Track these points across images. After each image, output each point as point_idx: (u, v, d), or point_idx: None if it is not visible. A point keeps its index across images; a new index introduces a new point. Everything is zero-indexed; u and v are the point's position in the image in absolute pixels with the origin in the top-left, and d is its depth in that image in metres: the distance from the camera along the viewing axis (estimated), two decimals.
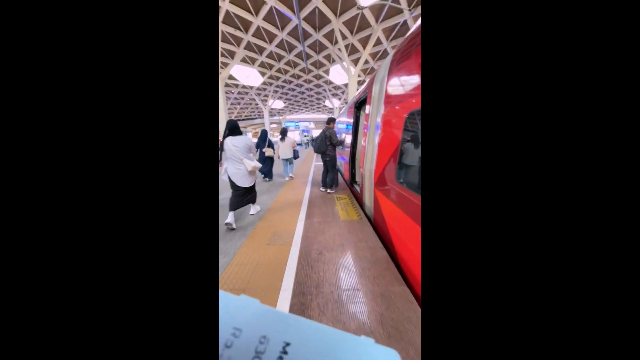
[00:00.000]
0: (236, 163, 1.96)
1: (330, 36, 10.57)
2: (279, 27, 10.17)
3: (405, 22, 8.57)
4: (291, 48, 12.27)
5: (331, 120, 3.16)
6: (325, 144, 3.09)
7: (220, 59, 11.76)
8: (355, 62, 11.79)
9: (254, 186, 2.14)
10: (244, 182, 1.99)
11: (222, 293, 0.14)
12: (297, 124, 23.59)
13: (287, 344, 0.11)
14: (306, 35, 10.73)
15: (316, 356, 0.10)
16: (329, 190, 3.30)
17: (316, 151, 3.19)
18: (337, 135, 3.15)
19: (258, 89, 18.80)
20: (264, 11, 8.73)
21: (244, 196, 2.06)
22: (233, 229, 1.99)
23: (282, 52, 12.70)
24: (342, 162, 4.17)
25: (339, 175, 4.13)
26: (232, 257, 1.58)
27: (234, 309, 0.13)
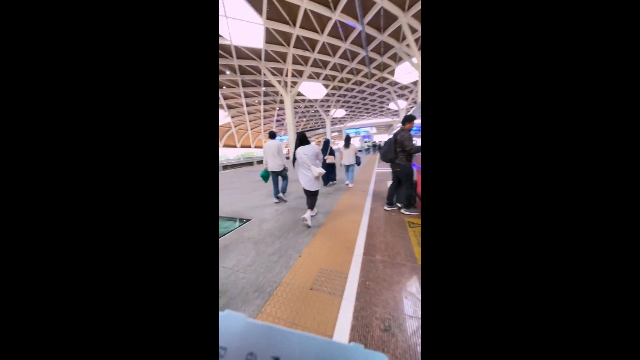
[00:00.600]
0: (305, 170, 2.19)
1: (396, 34, 9.87)
2: (343, 39, 10.48)
3: None
4: (354, 56, 12.36)
5: (409, 120, 2.32)
6: (395, 151, 2.36)
7: (291, 78, 13.38)
8: None
9: (317, 191, 2.36)
10: (311, 187, 2.23)
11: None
12: (357, 130, 23.32)
13: (276, 359, 0.10)
14: (370, 40, 10.51)
15: None
16: (404, 211, 2.45)
17: (382, 159, 2.55)
18: (413, 140, 2.32)
19: (321, 100, 20.08)
20: (328, 27, 9.24)
21: (313, 197, 2.36)
22: (309, 227, 2.22)
23: (345, 62, 13.00)
24: (415, 171, 3.69)
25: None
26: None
27: (219, 327, 0.12)
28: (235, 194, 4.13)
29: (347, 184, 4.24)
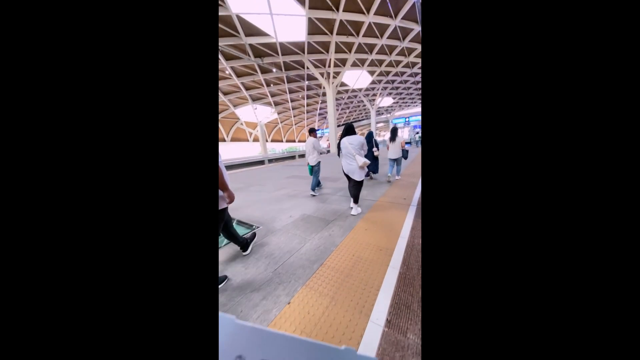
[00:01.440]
0: (350, 159, 2.26)
1: None
2: (393, 15, 9.19)
3: None
4: (405, 33, 10.74)
5: None
6: None
7: (334, 69, 12.89)
8: None
9: (362, 182, 2.41)
10: (355, 176, 2.28)
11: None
12: (406, 119, 20.92)
13: None
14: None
15: None
16: None
17: None
18: None
19: (366, 89, 18.77)
20: (376, 4, 8.23)
21: (357, 187, 2.37)
22: (353, 215, 2.32)
23: (395, 42, 11.51)
24: None
25: None
26: None
27: None
28: (262, 192, 3.79)
29: (389, 180, 4.08)
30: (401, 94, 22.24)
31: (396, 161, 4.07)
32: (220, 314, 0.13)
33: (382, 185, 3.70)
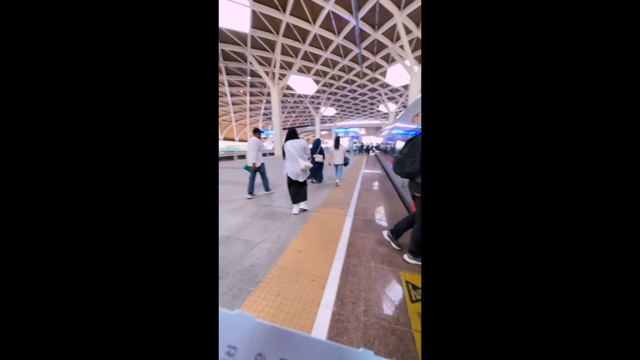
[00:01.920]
0: (293, 162, 2.37)
1: (390, 33, 9.54)
2: (336, 32, 9.94)
3: None
4: (346, 52, 11.88)
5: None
6: (420, 164, 1.33)
7: (280, 70, 12.59)
8: (419, 59, 10.21)
9: (305, 182, 2.51)
10: (297, 177, 2.39)
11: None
12: (346, 130, 23.09)
13: None
14: (363, 36, 10.09)
15: None
16: (408, 258, 1.49)
17: (398, 170, 1.44)
18: None
19: (312, 97, 19.45)
20: (321, 17, 8.65)
21: (299, 189, 2.47)
22: (296, 213, 2.46)
23: (337, 58, 12.49)
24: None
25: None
26: None
27: (229, 326, 0.12)
28: None
29: (337, 183, 4.49)
30: (342, 106, 24.43)
31: (338, 167, 4.51)
32: (240, 312, 0.13)
33: (330, 187, 4.08)
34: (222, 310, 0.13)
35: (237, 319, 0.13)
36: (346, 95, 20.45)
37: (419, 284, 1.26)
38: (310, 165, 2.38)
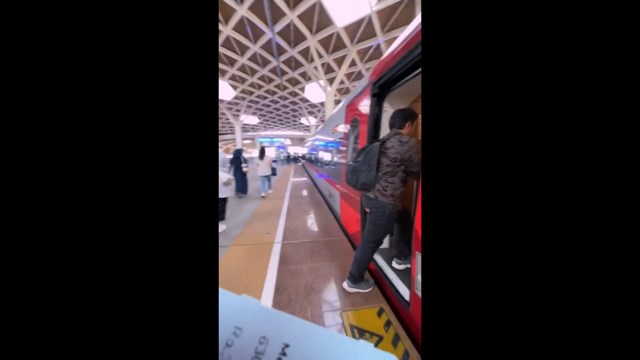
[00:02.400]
0: None
1: (305, 53, 10.41)
2: (252, 40, 9.63)
3: (378, 45, 8.82)
4: (265, 62, 11.79)
5: (411, 117, 1.19)
6: (377, 174, 1.17)
7: None
8: (331, 81, 11.79)
9: (225, 199, 2.24)
10: (220, 193, 2.07)
11: (224, 292, 0.14)
12: (272, 139, 22.70)
13: (286, 346, 0.11)
14: (281, 51, 10.40)
15: (314, 358, 0.10)
16: (349, 287, 1.34)
17: (352, 182, 1.24)
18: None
19: (229, 102, 17.70)
20: (234, 20, 8.11)
21: (221, 204, 2.11)
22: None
23: (255, 66, 12.13)
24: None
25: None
26: None
27: (236, 308, 0.13)
28: None
29: (263, 195, 4.26)
30: (265, 115, 23.91)
31: (267, 178, 4.36)
32: (247, 297, 0.13)
33: (256, 201, 3.86)
34: (230, 293, 0.13)
35: (243, 303, 0.13)
36: (268, 105, 20.21)
37: (364, 325, 1.07)
38: (232, 177, 2.12)
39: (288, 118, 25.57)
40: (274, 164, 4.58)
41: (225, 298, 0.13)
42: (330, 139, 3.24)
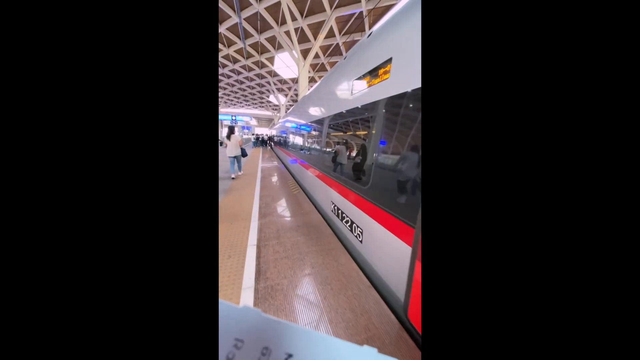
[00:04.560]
0: None
1: (276, 12, 8.54)
2: None
3: (361, 13, 7.75)
4: (223, 19, 9.35)
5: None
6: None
7: None
8: (305, 53, 10.23)
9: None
10: None
11: (224, 303, 0.13)
12: (233, 118, 19.90)
13: (290, 356, 0.11)
14: (243, 5, 8.27)
15: None
16: None
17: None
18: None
19: None
20: None
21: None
22: None
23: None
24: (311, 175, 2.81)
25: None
26: None
27: (236, 319, 0.12)
28: None
29: (232, 177, 4.18)
30: (225, 88, 20.53)
31: (236, 158, 4.19)
32: (247, 307, 0.13)
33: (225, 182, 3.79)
34: (229, 304, 0.13)
35: (243, 313, 0.13)
36: (229, 76, 17.17)
37: None
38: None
39: (254, 94, 22.60)
40: (243, 145, 4.40)
41: (225, 310, 0.13)
42: (303, 121, 2.74)
